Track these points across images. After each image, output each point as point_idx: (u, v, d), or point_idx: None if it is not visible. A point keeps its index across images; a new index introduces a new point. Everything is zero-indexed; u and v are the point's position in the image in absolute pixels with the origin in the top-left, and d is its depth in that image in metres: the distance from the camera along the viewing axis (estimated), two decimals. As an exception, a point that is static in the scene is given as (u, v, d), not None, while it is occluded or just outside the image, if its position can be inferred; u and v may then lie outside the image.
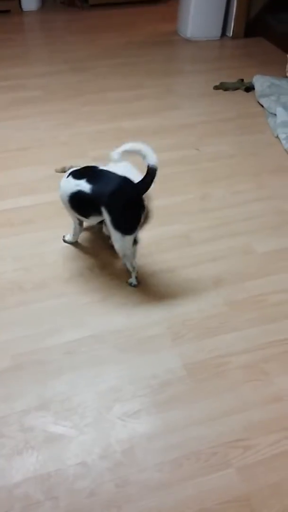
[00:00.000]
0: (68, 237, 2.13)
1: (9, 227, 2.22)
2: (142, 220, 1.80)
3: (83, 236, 2.16)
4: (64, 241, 2.14)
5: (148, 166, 1.70)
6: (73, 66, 3.76)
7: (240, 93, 3.49)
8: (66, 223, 2.24)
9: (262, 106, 3.27)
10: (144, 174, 1.72)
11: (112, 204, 1.73)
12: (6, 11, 4.87)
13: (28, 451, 1.41)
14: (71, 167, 2.08)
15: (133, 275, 1.93)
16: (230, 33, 4.42)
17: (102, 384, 1.59)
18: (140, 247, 2.12)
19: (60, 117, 3.11)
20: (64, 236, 2.14)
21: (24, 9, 4.96)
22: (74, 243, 2.13)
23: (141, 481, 1.36)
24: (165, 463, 1.40)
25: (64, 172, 2.13)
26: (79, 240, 2.15)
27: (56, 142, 2.86)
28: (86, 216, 1.92)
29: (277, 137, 2.93)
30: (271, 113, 3.15)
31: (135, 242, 1.86)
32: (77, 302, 1.87)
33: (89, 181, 1.79)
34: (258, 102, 3.35)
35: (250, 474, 1.39)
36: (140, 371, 1.64)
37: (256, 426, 1.49)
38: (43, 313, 1.82)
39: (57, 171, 2.12)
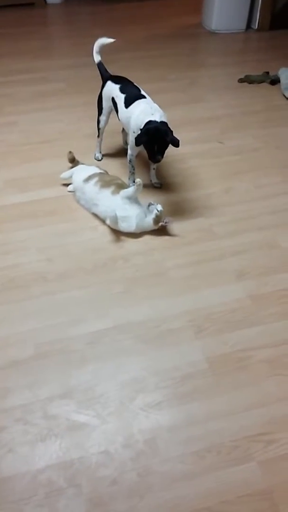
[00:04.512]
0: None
1: (33, 219, 2.25)
2: None
3: (106, 228, 2.17)
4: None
5: None
6: (96, 59, 3.77)
7: (265, 86, 3.45)
8: (89, 215, 2.26)
9: (288, 99, 3.24)
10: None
11: None
12: (31, 4, 4.90)
13: (51, 439, 1.43)
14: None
15: None
16: (255, 25, 4.37)
17: (124, 375, 1.60)
18: (163, 239, 2.13)
19: (84, 110, 3.12)
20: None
21: (48, 2, 4.99)
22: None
23: (163, 471, 1.36)
24: (187, 455, 1.40)
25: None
26: (103, 233, 2.16)
27: (80, 135, 2.88)
28: None
29: (302, 130, 2.90)
30: (297, 107, 3.11)
31: None
32: (100, 293, 1.88)
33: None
34: (284, 95, 3.31)
35: (272, 468, 1.38)
36: (163, 363, 1.64)
37: (279, 420, 1.48)
38: (67, 304, 1.84)
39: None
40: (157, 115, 2.07)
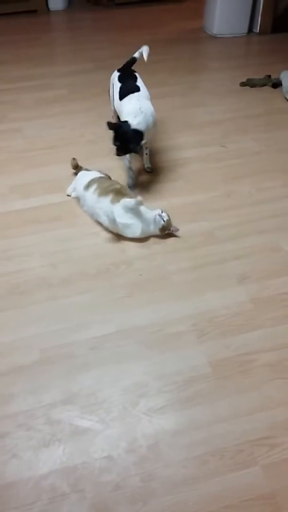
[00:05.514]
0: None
1: (36, 224, 2.26)
2: None
3: (109, 234, 2.18)
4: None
5: None
6: (98, 65, 3.78)
7: (267, 89, 3.45)
8: (92, 220, 2.27)
9: (290, 102, 3.24)
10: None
11: None
12: (33, 11, 4.93)
13: (55, 444, 1.43)
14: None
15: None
16: (257, 29, 4.38)
17: (127, 380, 1.61)
18: (165, 244, 2.14)
19: (86, 116, 3.14)
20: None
21: (51, 9, 5.02)
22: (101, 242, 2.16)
23: (166, 476, 1.37)
24: (190, 459, 1.40)
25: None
26: (105, 238, 2.17)
27: (83, 140, 2.89)
28: None
29: (304, 133, 2.90)
30: (299, 110, 3.11)
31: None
32: (103, 298, 1.89)
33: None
34: (286, 98, 3.31)
35: (275, 472, 1.38)
36: (165, 367, 1.64)
37: (282, 424, 1.48)
38: (70, 309, 1.85)
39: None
40: (140, 117, 2.22)
